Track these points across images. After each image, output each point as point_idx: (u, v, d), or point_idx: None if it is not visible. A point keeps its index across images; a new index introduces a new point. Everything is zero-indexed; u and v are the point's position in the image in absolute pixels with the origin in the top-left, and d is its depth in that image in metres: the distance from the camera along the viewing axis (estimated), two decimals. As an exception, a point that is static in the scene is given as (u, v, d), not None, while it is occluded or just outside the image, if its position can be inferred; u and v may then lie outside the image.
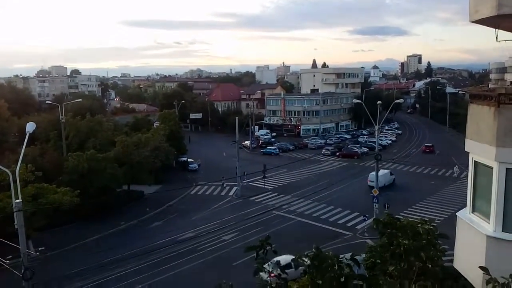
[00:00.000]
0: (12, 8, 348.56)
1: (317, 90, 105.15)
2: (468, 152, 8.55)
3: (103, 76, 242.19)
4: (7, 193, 23.88)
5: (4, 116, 46.32)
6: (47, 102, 66.89)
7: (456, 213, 9.01)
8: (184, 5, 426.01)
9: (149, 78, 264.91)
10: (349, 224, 36.01)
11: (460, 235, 8.73)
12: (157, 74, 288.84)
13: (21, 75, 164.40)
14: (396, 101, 50.47)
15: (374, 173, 37.70)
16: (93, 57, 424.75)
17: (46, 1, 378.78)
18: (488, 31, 8.54)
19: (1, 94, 58.99)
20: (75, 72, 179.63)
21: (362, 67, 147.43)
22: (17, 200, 15.81)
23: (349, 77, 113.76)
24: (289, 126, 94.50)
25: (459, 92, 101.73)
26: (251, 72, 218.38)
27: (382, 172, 43.70)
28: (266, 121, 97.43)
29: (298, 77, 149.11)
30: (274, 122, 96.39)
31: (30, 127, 16.72)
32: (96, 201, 37.39)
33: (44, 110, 68.57)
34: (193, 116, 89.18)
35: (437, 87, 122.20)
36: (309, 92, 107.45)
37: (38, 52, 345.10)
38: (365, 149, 68.58)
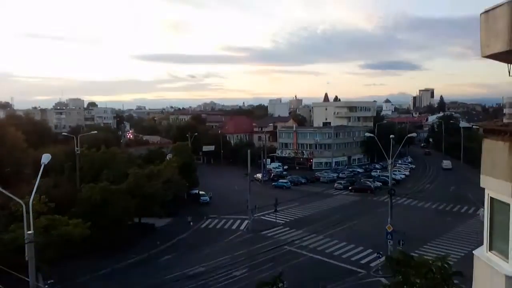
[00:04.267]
0: (32, 42, 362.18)
1: (329, 123, 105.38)
2: (484, 188, 8.37)
3: (119, 109, 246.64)
4: (19, 224, 23.98)
5: (20, 147, 47.19)
6: (63, 133, 68.10)
7: (473, 251, 8.74)
8: (199, 40, 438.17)
9: (163, 110, 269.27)
10: (362, 261, 35.09)
11: (477, 274, 8.41)
12: (172, 107, 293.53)
13: (39, 107, 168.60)
14: (409, 135, 50.28)
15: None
16: (110, 90, 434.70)
17: (65, 37, 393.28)
18: (501, 65, 8.52)
19: (18, 125, 60.32)
20: (92, 104, 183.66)
21: (374, 101, 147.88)
22: (29, 232, 15.85)
23: (361, 110, 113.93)
24: (301, 159, 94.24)
25: (473, 126, 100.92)
26: (263, 105, 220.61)
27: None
28: (278, 154, 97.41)
29: (310, 110, 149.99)
30: (286, 155, 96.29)
31: (45, 158, 16.96)
32: (108, 234, 37.22)
33: (60, 142, 69.65)
34: (205, 148, 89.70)
35: (451, 121, 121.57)
36: (321, 125, 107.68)
37: (56, 85, 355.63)
38: (379, 183, 67.68)
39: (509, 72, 8.60)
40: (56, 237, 27.28)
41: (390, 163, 39.28)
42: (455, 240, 39.62)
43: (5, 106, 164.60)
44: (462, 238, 39.83)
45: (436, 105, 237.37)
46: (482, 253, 8.43)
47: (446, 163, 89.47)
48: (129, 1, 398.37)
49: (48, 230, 27.73)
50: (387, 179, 56.20)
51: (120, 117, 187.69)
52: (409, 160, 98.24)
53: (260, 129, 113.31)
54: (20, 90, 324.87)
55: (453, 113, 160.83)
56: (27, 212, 16.62)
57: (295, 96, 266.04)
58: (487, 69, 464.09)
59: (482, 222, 8.20)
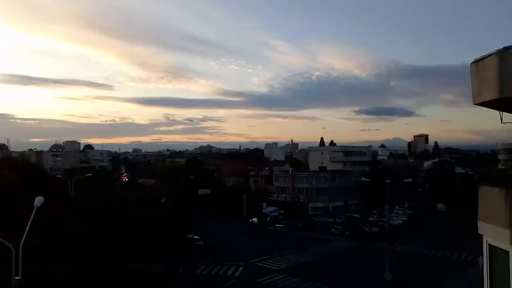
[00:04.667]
0: (30, 84, 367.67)
1: (325, 167, 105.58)
2: (482, 235, 8.31)
3: (115, 151, 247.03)
4: (8, 269, 23.27)
5: (13, 189, 46.64)
6: (57, 176, 67.73)
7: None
8: (196, 85, 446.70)
9: (159, 153, 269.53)
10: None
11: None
12: (168, 150, 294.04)
13: (35, 149, 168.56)
14: (405, 180, 50.33)
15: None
16: (106, 132, 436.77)
17: (64, 80, 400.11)
18: (494, 112, 8.71)
19: (13, 167, 59.98)
20: (88, 147, 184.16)
21: (370, 145, 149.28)
22: (17, 277, 15.39)
23: (357, 155, 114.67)
24: (298, 204, 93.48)
25: (469, 172, 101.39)
26: (260, 148, 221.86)
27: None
28: (274, 198, 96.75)
29: (306, 155, 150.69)
30: (282, 199, 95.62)
31: (39, 201, 16.77)
32: (99, 280, 36.02)
33: (54, 185, 69.08)
34: (201, 192, 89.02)
35: (446, 167, 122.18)
36: (317, 169, 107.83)
37: (53, 127, 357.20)
38: (376, 229, 66.86)
39: (501, 119, 8.80)
40: (46, 283, 26.43)
41: (387, 208, 39.07)
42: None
43: (1, 148, 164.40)
44: (460, 285, 38.86)
45: (431, 151, 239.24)
46: (483, 302, 8.24)
47: (441, 206, 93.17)
48: (128, 47, 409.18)
49: (38, 276, 26.89)
50: (384, 224, 55.63)
51: (116, 159, 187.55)
52: (406, 205, 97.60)
53: (256, 173, 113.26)
54: (16, 132, 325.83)
55: (448, 158, 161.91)
56: (17, 257, 16.20)
57: (291, 140, 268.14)
58: (480, 116, 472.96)
59: (482, 270, 8.07)
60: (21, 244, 15.88)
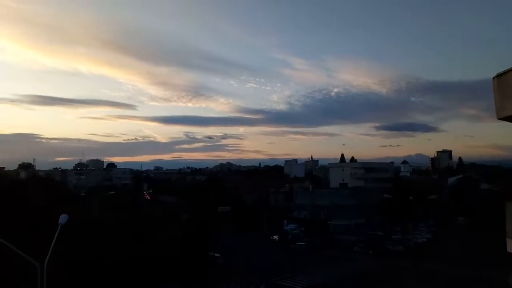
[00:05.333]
0: (55, 105, 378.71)
1: (346, 184, 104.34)
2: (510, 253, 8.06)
3: (137, 169, 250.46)
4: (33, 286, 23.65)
5: (39, 207, 47.63)
6: (81, 194, 68.99)
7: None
8: (215, 103, 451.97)
9: (180, 171, 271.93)
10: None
11: None
12: (189, 167, 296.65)
13: (60, 167, 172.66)
14: (429, 197, 49.25)
15: None
16: (129, 151, 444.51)
17: (87, 100, 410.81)
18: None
19: (39, 186, 61.37)
20: (111, 165, 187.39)
21: (392, 162, 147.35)
22: (42, 294, 15.61)
23: (378, 172, 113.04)
24: (318, 221, 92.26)
25: (494, 188, 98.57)
26: (279, 165, 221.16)
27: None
28: (295, 215, 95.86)
29: (326, 171, 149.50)
30: (303, 217, 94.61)
31: (63, 219, 17.12)
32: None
33: (78, 202, 70.30)
34: (221, 209, 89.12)
35: (471, 183, 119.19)
36: (338, 186, 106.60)
37: (77, 146, 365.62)
38: (400, 247, 65.27)
39: (527, 134, 8.61)
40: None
41: (411, 225, 38.19)
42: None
43: (27, 166, 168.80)
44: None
45: (455, 167, 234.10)
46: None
47: (461, 219, 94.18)
48: (149, 67, 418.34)
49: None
50: (408, 242, 54.32)
51: (138, 177, 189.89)
52: (431, 222, 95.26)
53: (276, 190, 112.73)
54: (42, 151, 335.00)
55: (473, 174, 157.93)
56: (42, 273, 16.48)
57: (311, 157, 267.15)
58: (505, 131, 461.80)
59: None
60: (46, 261, 16.16)
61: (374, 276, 51.04)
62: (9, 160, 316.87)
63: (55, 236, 16.79)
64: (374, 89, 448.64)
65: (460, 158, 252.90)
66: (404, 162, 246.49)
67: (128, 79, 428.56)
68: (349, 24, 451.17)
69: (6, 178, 76.19)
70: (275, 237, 73.56)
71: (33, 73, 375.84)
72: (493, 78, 8.18)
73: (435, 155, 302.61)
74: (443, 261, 57.98)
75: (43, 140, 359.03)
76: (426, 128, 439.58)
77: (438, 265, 55.66)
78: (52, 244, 16.82)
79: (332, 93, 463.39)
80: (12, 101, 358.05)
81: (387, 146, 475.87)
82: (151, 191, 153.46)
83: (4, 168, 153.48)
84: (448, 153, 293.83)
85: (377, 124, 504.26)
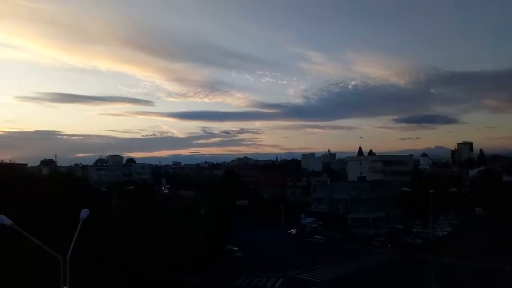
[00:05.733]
0: (74, 105, 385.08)
1: (365, 178, 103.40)
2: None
3: (156, 165, 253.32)
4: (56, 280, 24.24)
5: (61, 202, 48.71)
6: (102, 189, 70.15)
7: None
8: (232, 98, 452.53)
9: (198, 166, 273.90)
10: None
11: None
12: (206, 162, 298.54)
13: (80, 163, 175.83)
14: (449, 189, 48.46)
15: None
16: (147, 146, 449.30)
17: (105, 97, 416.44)
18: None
19: (61, 181, 62.65)
20: (130, 161, 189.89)
21: (411, 154, 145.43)
22: (65, 287, 15.97)
23: (397, 165, 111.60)
24: (337, 215, 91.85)
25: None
26: (296, 159, 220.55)
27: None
28: (313, 209, 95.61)
29: (344, 165, 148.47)
30: (321, 210, 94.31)
31: (84, 213, 17.44)
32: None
33: (99, 197, 71.57)
34: (239, 203, 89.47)
35: (493, 175, 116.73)
36: (356, 180, 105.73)
37: (97, 143, 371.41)
38: (419, 240, 64.52)
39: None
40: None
41: (431, 219, 37.67)
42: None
43: (49, 163, 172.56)
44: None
45: (476, 159, 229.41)
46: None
47: (479, 210, 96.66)
48: (166, 64, 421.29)
49: (84, 286, 27.78)
50: (428, 236, 53.58)
51: (157, 172, 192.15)
52: (451, 216, 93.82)
53: (293, 183, 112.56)
54: (63, 148, 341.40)
55: (495, 167, 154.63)
56: (65, 267, 16.84)
57: (328, 151, 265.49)
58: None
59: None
60: (68, 254, 16.50)
61: (392, 269, 50.59)
62: (32, 157, 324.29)
63: (77, 230, 17.13)
64: (392, 81, 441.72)
65: (481, 150, 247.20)
66: (424, 154, 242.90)
67: (145, 76, 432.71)
68: (366, 17, 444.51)
69: (29, 174, 77.96)
70: (293, 230, 73.59)
71: (53, 72, 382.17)
72: (516, 67, 7.91)
73: (456, 147, 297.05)
74: (463, 254, 57.06)
75: (64, 137, 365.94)
76: (446, 120, 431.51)
77: (458, 258, 54.82)
78: (75, 238, 17.17)
79: (350, 86, 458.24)
80: (33, 99, 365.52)
81: (406, 139, 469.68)
82: (169, 186, 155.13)
83: (26, 164, 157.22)
84: (469, 145, 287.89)
85: (396, 117, 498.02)
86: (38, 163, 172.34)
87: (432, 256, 34.04)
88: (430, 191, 43.09)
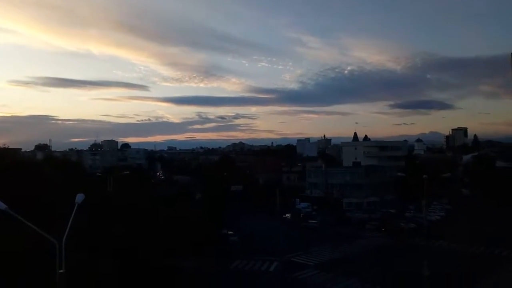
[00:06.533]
0: (69, 87, 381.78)
1: (359, 163, 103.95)
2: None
3: (151, 150, 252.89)
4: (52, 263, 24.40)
5: (56, 187, 48.69)
6: (97, 174, 70.06)
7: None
8: (227, 83, 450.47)
9: (193, 151, 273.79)
10: (398, 307, 33.38)
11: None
12: (201, 147, 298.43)
13: (75, 148, 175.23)
14: (443, 175, 48.86)
15: None
16: (142, 131, 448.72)
17: (100, 82, 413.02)
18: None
19: (55, 166, 62.54)
20: (125, 146, 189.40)
21: (406, 140, 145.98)
22: (61, 270, 16.10)
23: (392, 150, 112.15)
24: (331, 200, 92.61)
25: (510, 166, 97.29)
26: (292, 145, 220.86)
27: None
28: (307, 194, 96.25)
29: (339, 150, 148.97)
30: (316, 195, 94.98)
31: (79, 198, 17.48)
32: (136, 275, 37.08)
33: (94, 182, 71.56)
34: (234, 188, 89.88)
35: (486, 161, 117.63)
36: (351, 165, 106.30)
37: (92, 127, 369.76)
38: (413, 225, 65.35)
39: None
40: (87, 276, 27.46)
41: (424, 203, 38.07)
42: (495, 286, 37.27)
43: (44, 147, 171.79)
44: (503, 283, 37.42)
45: (470, 144, 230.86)
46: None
47: (465, 192, 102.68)
48: (161, 48, 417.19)
49: (79, 269, 27.98)
50: (421, 220, 54.28)
51: (152, 157, 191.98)
52: (445, 200, 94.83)
53: (288, 169, 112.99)
54: (57, 132, 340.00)
55: (489, 152, 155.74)
56: (60, 251, 16.95)
57: (324, 136, 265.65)
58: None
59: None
60: (64, 239, 16.59)
61: (385, 253, 51.31)
62: (26, 141, 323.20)
63: (73, 214, 17.19)
64: (389, 67, 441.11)
65: (475, 136, 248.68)
66: (418, 140, 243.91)
67: (140, 60, 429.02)
68: (363, 1, 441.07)
69: (23, 158, 77.67)
70: (288, 215, 74.19)
71: (46, 56, 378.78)
72: (511, 53, 7.94)
73: (450, 133, 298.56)
74: (455, 239, 57.93)
75: (58, 122, 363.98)
76: (442, 106, 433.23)
77: (451, 243, 55.66)
78: (70, 222, 17.24)
79: (346, 71, 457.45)
80: (26, 83, 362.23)
81: (401, 124, 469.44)
82: (165, 171, 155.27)
83: (21, 149, 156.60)
84: (463, 130, 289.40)
85: (391, 102, 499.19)
86: (32, 147, 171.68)
87: (424, 240, 34.50)
88: (424, 176, 43.46)
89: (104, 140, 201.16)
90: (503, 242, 53.62)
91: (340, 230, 66.94)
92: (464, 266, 44.31)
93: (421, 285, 32.38)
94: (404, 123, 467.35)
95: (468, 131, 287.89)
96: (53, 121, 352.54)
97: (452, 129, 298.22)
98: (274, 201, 50.23)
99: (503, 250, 50.92)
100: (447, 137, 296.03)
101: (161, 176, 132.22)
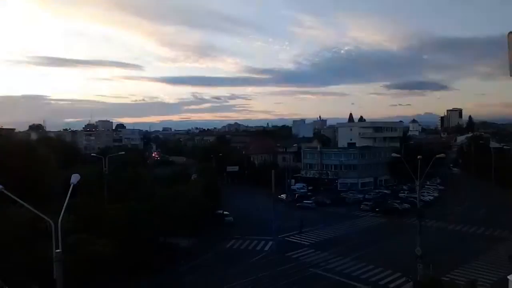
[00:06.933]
0: (63, 66, 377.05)
1: (354, 144, 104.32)
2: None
3: (146, 130, 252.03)
4: (48, 243, 24.52)
5: (51, 167, 48.56)
6: (92, 154, 69.84)
7: (508, 277, 8.42)
8: (223, 63, 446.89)
9: (189, 132, 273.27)
10: (391, 285, 34.01)
11: (513, 301, 8.08)
12: (197, 128, 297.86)
13: (70, 129, 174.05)
14: (437, 156, 49.03)
15: None
16: (137, 112, 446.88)
17: (93, 61, 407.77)
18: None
19: (50, 147, 62.26)
20: (120, 126, 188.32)
21: (401, 121, 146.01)
22: (57, 251, 16.15)
23: (387, 131, 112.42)
24: (326, 180, 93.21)
25: (504, 147, 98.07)
26: (287, 126, 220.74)
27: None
28: (303, 174, 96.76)
29: (334, 131, 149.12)
30: (311, 176, 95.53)
31: (75, 178, 17.39)
32: (133, 254, 37.45)
33: (89, 163, 71.37)
34: (229, 169, 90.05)
35: (480, 142, 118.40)
36: (346, 146, 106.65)
37: (86, 107, 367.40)
38: (406, 205, 66.11)
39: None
40: (83, 256, 27.64)
41: (418, 184, 38.33)
42: (487, 265, 38.03)
43: (38, 128, 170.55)
44: (494, 262, 38.18)
45: (464, 126, 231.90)
46: (516, 278, 8.11)
47: (455, 170, 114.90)
48: (156, 27, 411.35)
49: (76, 250, 28.16)
50: (415, 200, 54.82)
51: (147, 138, 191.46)
52: (438, 181, 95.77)
53: (284, 149, 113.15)
54: (51, 113, 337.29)
55: (483, 133, 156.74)
56: (56, 231, 16.99)
57: (319, 117, 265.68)
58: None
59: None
60: (60, 219, 16.61)
61: (379, 233, 52.04)
62: (19, 122, 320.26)
63: (68, 195, 17.16)
64: (385, 47, 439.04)
65: (470, 117, 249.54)
66: (414, 121, 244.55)
67: (135, 39, 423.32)
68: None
69: (18, 139, 77.18)
70: (283, 196, 74.66)
71: (40, 35, 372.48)
72: (508, 34, 7.90)
73: (445, 114, 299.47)
74: (448, 219, 58.79)
75: (52, 102, 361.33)
76: (437, 87, 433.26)
77: (443, 223, 56.49)
78: (66, 202, 17.23)
79: (342, 51, 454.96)
80: (19, 62, 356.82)
81: (397, 105, 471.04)
82: (160, 151, 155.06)
83: (14, 129, 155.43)
84: (458, 111, 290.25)
85: (387, 83, 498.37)
86: (26, 128, 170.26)
87: (417, 220, 34.90)
88: (418, 157, 43.63)
89: (99, 121, 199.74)
90: (494, 222, 54.50)
91: (335, 210, 67.64)
92: (456, 246, 45.09)
93: (414, 264, 32.94)
94: (400, 104, 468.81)
95: (463, 112, 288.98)
96: (46, 101, 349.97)
97: (447, 110, 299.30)
98: (270, 182, 50.40)
99: (494, 230, 51.78)
100: (442, 118, 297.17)
101: (157, 157, 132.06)
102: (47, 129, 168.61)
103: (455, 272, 35.19)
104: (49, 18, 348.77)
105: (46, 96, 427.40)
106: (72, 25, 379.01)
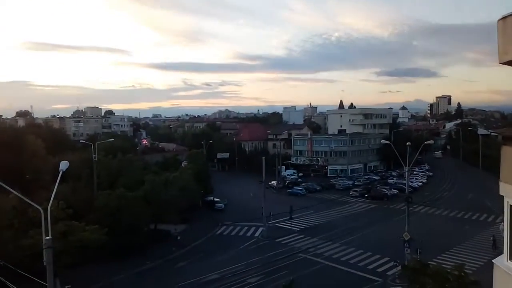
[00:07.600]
0: (50, 51, 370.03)
1: (345, 131, 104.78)
2: (503, 196, 8.23)
3: (135, 117, 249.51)
4: (38, 230, 24.40)
5: (39, 154, 48.08)
6: (81, 141, 69.18)
7: (493, 260, 8.58)
8: (213, 49, 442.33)
9: (179, 118, 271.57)
10: (379, 270, 34.60)
11: (498, 283, 8.26)
12: (187, 115, 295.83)
13: (57, 115, 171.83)
14: (426, 142, 49.53)
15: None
16: (126, 98, 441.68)
17: (83, 46, 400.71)
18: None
19: (38, 133, 61.49)
20: (109, 112, 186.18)
21: (390, 108, 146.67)
22: (47, 237, 16.08)
23: (377, 118, 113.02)
24: (316, 167, 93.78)
25: (492, 133, 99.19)
26: (278, 112, 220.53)
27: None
28: (293, 161, 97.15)
29: (325, 118, 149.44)
30: (301, 163, 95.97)
31: (64, 165, 17.22)
32: (123, 240, 37.49)
33: (78, 149, 70.67)
34: (220, 155, 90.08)
35: (468, 128, 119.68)
36: (336, 132, 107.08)
37: (74, 93, 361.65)
38: (395, 191, 66.91)
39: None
40: (73, 243, 27.60)
41: (406, 170, 38.74)
42: (473, 249, 38.82)
43: (25, 114, 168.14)
44: (481, 247, 38.98)
45: (453, 112, 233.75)
46: (502, 262, 8.27)
47: (438, 154, 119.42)
48: (145, 11, 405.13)
49: (65, 236, 28.10)
50: (403, 186, 55.38)
51: (137, 125, 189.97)
52: (427, 167, 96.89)
53: (274, 136, 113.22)
54: (38, 99, 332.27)
55: (471, 120, 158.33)
56: (46, 218, 16.89)
57: (310, 104, 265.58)
58: (505, 76, 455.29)
59: (502, 231, 8.06)
60: (49, 206, 16.50)
61: (368, 218, 52.65)
62: (6, 108, 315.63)
63: (57, 182, 17.03)
64: (376, 33, 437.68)
65: (459, 104, 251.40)
66: (403, 108, 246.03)
67: (123, 24, 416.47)
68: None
69: (5, 125, 76.02)
70: (273, 182, 74.99)
71: (25, 18, 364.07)
72: (498, 20, 7.89)
73: (434, 100, 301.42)
74: (436, 204, 59.68)
75: (38, 88, 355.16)
76: (427, 74, 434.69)
77: (431, 208, 57.35)
78: (54, 190, 17.11)
79: (333, 38, 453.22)
80: (5, 48, 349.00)
81: (386, 92, 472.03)
82: (150, 138, 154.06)
83: (1, 116, 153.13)
84: (448, 98, 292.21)
85: (378, 70, 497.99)
86: (13, 114, 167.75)
87: (406, 206, 35.39)
88: (407, 143, 44.01)
89: (87, 107, 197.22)
90: (481, 207, 55.44)
91: (325, 197, 68.17)
92: (443, 230, 45.84)
93: (402, 249, 33.49)
94: (390, 91, 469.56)
95: (452, 99, 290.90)
96: (33, 87, 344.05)
97: (437, 97, 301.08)
98: (260, 169, 50.50)
99: (481, 215, 52.71)
100: (431, 105, 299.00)
101: (147, 143, 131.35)
102: (35, 115, 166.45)
103: (443, 256, 35.85)
104: (35, 2, 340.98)
105: (33, 82, 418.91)
106: (58, 9, 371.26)
